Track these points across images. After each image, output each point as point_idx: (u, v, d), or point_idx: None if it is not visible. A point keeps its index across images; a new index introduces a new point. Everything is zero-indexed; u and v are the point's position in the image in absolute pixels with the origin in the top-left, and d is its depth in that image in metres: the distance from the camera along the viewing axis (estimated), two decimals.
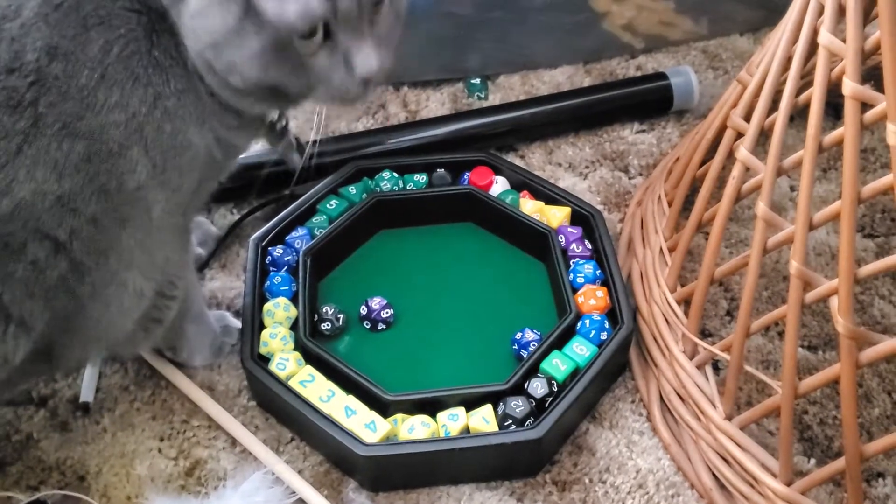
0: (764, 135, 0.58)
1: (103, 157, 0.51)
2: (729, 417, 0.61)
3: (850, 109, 0.47)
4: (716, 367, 0.67)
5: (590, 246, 0.74)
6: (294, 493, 0.62)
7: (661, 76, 0.91)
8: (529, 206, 0.78)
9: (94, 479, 0.64)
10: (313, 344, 0.67)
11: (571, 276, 0.72)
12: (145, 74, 0.52)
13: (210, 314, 0.71)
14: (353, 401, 0.64)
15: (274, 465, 0.63)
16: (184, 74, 0.53)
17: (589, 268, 0.72)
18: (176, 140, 0.54)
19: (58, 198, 0.51)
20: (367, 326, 0.71)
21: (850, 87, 0.47)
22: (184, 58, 0.53)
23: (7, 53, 0.49)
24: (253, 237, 0.75)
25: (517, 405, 0.62)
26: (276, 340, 0.67)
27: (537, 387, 0.63)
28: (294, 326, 0.69)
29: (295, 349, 0.67)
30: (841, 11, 0.49)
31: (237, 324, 0.71)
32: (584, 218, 0.76)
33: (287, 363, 0.66)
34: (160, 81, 0.52)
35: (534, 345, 0.67)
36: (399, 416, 0.63)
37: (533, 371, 0.65)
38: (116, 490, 0.64)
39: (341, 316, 0.71)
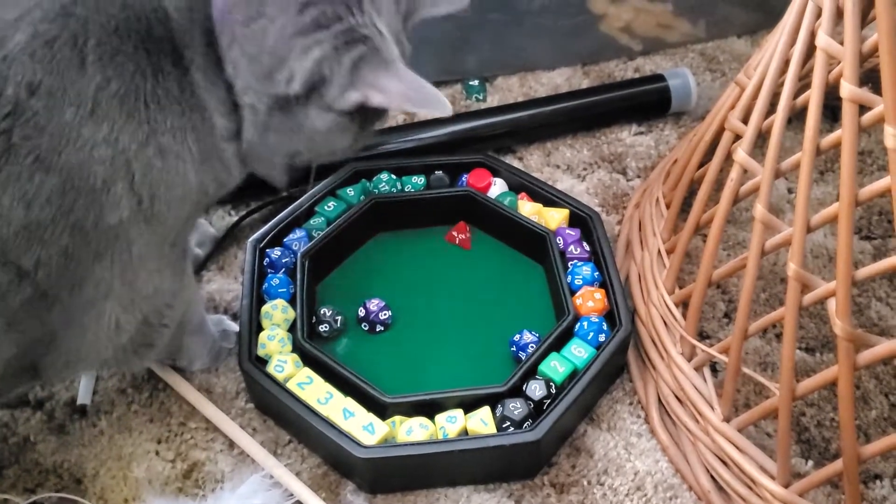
0: (762, 137, 0.58)
1: (81, 192, 0.50)
2: (727, 419, 0.61)
3: (847, 112, 0.47)
4: (714, 369, 0.67)
5: (588, 248, 0.74)
6: (292, 495, 0.62)
7: (659, 78, 0.91)
8: (527, 208, 0.78)
9: (91, 482, 0.64)
10: (311, 346, 0.67)
11: (569, 277, 0.72)
12: (145, 111, 0.51)
13: (208, 319, 0.71)
14: (351, 403, 0.64)
15: (272, 469, 0.63)
16: (185, 113, 0.53)
17: (587, 270, 0.72)
18: (168, 176, 0.53)
19: (24, 226, 0.50)
20: (366, 328, 0.71)
21: (847, 89, 0.47)
22: (197, 98, 0.53)
23: None
24: (251, 239, 0.75)
25: (515, 407, 0.62)
26: (274, 342, 0.67)
27: (535, 389, 0.63)
28: (292, 328, 0.69)
29: (293, 351, 0.67)
30: (839, 14, 0.49)
31: (235, 327, 0.71)
32: (582, 220, 0.76)
33: (285, 365, 0.66)
34: (160, 119, 0.52)
35: (532, 346, 0.67)
36: (397, 418, 0.63)
37: (531, 373, 0.65)
38: (113, 493, 0.64)
39: (339, 318, 0.71)
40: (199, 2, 0.53)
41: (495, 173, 0.81)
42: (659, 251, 0.72)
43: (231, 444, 0.66)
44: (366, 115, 0.56)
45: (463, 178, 0.81)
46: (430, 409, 0.64)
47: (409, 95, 0.53)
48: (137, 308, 0.58)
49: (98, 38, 0.50)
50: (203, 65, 0.53)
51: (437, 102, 0.53)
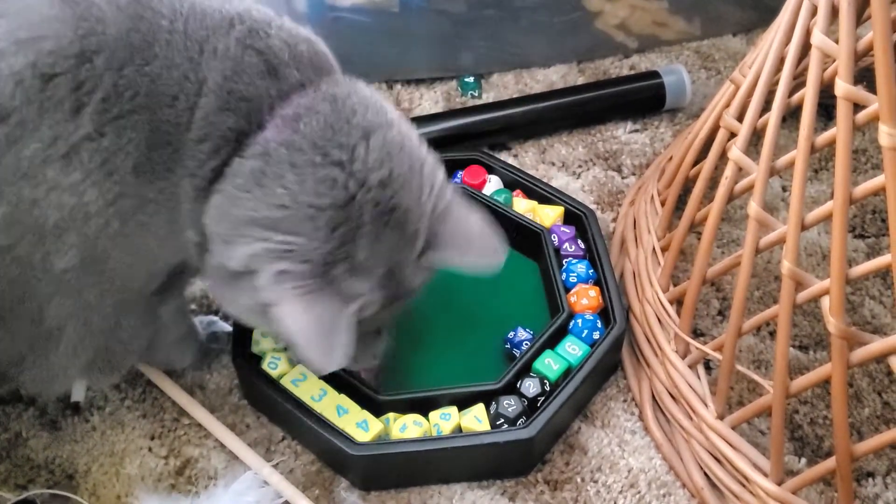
0: (756, 135, 0.58)
1: (28, 229, 0.49)
2: (720, 417, 0.61)
3: (842, 110, 0.47)
4: (707, 367, 0.68)
5: (582, 245, 0.74)
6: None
7: (654, 74, 0.91)
8: (522, 206, 0.77)
9: (84, 478, 0.64)
10: None
11: (564, 275, 0.72)
12: (127, 175, 0.49)
13: (197, 321, 0.70)
14: (345, 400, 0.63)
15: (260, 469, 0.62)
16: (164, 191, 0.51)
17: (581, 267, 0.72)
18: (125, 239, 0.52)
19: None
20: None
21: (842, 87, 0.47)
22: (174, 174, 0.51)
23: None
24: None
25: (509, 404, 0.62)
26: (268, 339, 0.67)
27: (529, 386, 0.63)
28: None
29: (287, 348, 0.67)
30: (834, 12, 0.49)
31: (227, 328, 0.71)
32: (576, 217, 0.76)
33: (279, 362, 0.65)
34: (139, 186, 0.50)
35: (526, 344, 0.67)
36: (391, 415, 0.63)
37: (525, 370, 0.65)
38: (106, 489, 0.63)
39: None
40: (223, 134, 0.51)
41: (490, 170, 0.80)
42: (653, 249, 0.72)
43: None
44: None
45: (457, 175, 0.80)
46: (423, 407, 0.64)
47: (304, 335, 0.49)
48: (95, 339, 0.57)
49: (107, 94, 0.48)
50: (196, 180, 0.51)
51: (322, 361, 0.50)
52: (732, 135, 0.61)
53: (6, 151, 0.48)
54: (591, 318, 0.68)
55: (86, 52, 0.48)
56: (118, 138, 0.49)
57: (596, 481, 0.64)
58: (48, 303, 0.53)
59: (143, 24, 0.49)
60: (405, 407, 0.64)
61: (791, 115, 0.55)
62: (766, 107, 0.57)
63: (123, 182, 0.50)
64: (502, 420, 0.62)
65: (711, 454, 0.62)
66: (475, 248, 0.57)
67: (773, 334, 0.72)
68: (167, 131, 0.50)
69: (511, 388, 0.64)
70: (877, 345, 0.49)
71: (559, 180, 0.86)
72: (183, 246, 0.55)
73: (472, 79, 0.95)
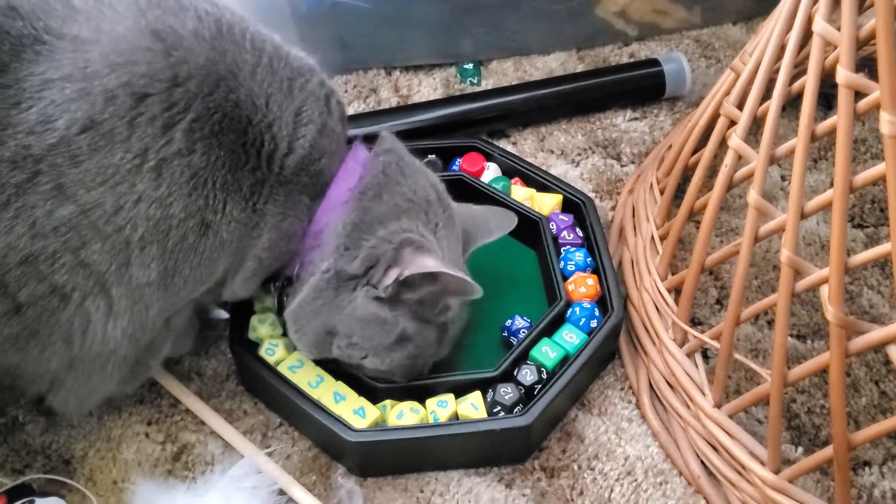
0: (756, 123, 0.58)
1: (100, 235, 0.51)
2: (718, 405, 0.61)
3: (843, 97, 0.47)
4: (705, 356, 0.68)
5: (581, 233, 0.74)
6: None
7: (654, 62, 0.91)
8: (521, 193, 0.77)
9: (80, 463, 0.64)
10: None
11: (562, 263, 0.71)
12: (209, 189, 0.52)
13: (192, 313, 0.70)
14: (342, 386, 0.63)
15: (255, 458, 0.62)
16: (245, 210, 0.54)
17: (580, 255, 0.72)
18: (196, 253, 0.54)
19: (27, 257, 0.50)
20: None
21: (844, 75, 0.46)
22: (261, 194, 0.55)
23: (36, 116, 0.48)
24: None
25: (506, 392, 0.62)
26: (265, 325, 0.67)
27: (527, 374, 0.63)
28: None
29: (284, 334, 0.67)
30: (836, 0, 0.49)
31: (223, 315, 0.71)
32: (575, 205, 0.76)
33: (276, 348, 0.65)
34: (220, 203, 0.53)
35: (524, 332, 0.67)
36: (388, 402, 0.63)
37: (522, 358, 0.65)
38: (102, 474, 0.63)
39: None
40: (313, 162, 0.57)
41: (489, 158, 0.80)
42: (652, 237, 0.72)
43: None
44: (407, 334, 0.60)
45: (456, 163, 0.80)
46: (421, 394, 0.64)
47: (445, 267, 0.57)
48: (136, 355, 0.58)
49: (198, 115, 0.51)
50: (294, 194, 0.57)
51: (471, 286, 0.58)
52: (732, 123, 0.60)
53: (88, 158, 0.49)
54: (589, 306, 0.68)
55: (178, 77, 0.51)
56: (207, 156, 0.52)
57: (593, 469, 0.64)
58: (107, 323, 0.54)
59: (227, 55, 0.54)
60: (402, 394, 0.64)
61: (791, 104, 0.55)
62: (766, 95, 0.57)
63: (208, 198, 0.52)
64: (499, 408, 0.62)
65: (708, 442, 0.62)
66: (493, 227, 0.68)
67: (771, 323, 0.72)
68: (256, 153, 0.54)
69: (508, 376, 0.64)
70: (875, 334, 0.49)
71: (558, 168, 0.85)
72: (239, 258, 0.57)
73: (471, 65, 0.95)
